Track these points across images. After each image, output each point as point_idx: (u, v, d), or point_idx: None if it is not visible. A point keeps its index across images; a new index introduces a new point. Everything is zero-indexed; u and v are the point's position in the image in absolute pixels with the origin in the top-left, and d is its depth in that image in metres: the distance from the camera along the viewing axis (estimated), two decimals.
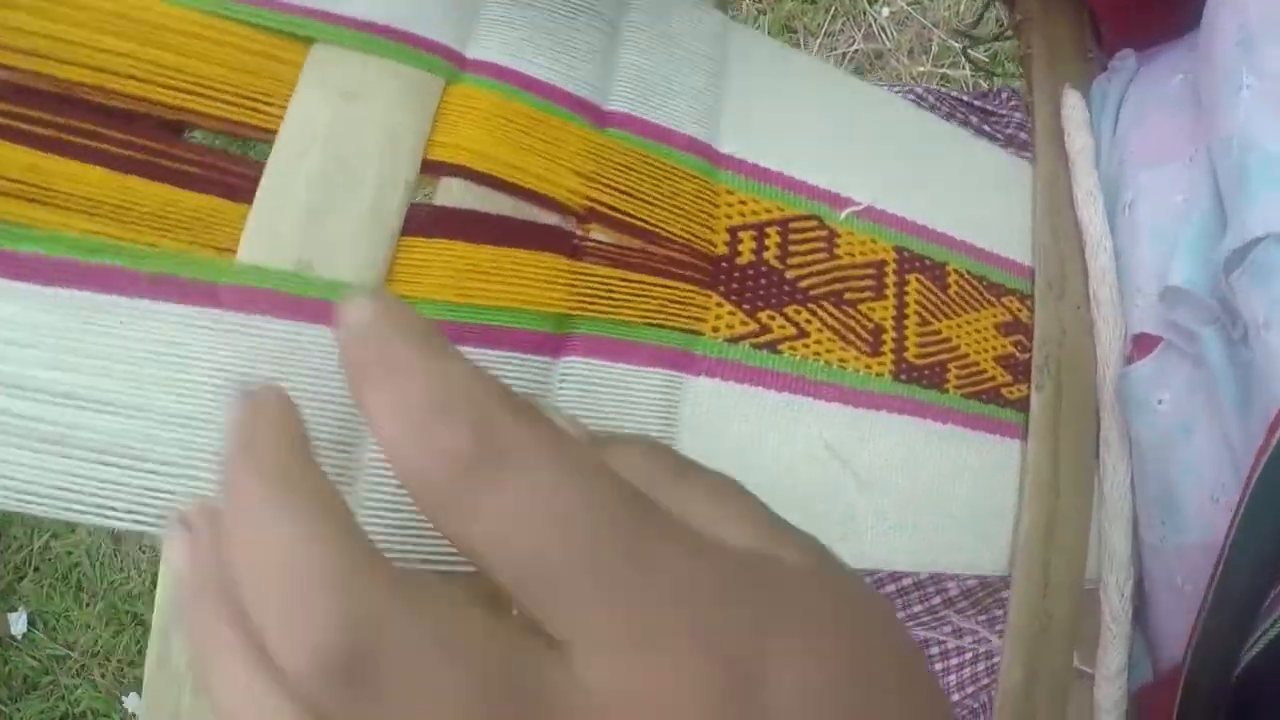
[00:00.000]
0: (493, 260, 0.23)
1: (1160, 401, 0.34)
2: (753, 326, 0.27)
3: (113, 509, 0.20)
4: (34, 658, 1.23)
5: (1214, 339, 0.31)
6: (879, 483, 0.29)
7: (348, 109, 0.23)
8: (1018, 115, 0.47)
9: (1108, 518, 0.34)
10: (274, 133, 0.22)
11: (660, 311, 0.25)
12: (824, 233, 0.29)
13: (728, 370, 0.26)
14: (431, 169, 0.24)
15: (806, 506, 0.27)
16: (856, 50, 1.14)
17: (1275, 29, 0.29)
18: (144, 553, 1.20)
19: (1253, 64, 0.29)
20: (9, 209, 0.21)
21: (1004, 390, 0.33)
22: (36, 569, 1.26)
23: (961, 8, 0.64)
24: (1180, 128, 0.35)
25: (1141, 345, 0.35)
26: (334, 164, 0.22)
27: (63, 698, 1.20)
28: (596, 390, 0.24)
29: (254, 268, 0.21)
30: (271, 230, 0.21)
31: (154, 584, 1.05)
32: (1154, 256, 0.35)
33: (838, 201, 0.30)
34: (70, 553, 1.23)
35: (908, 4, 1.10)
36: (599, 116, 0.26)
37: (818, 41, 1.18)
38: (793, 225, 0.28)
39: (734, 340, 0.27)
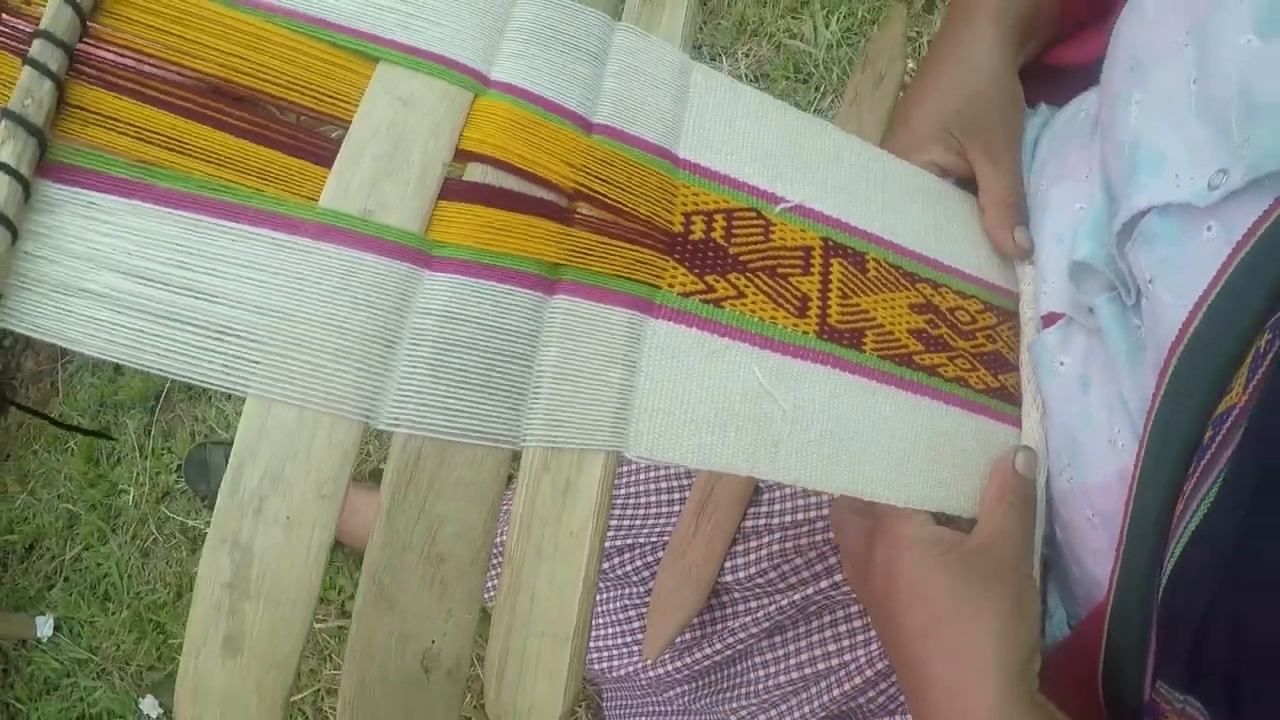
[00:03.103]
0: (504, 221, 0.31)
1: (1061, 363, 0.41)
2: (701, 286, 0.35)
3: (204, 371, 0.27)
4: (57, 660, 1.27)
5: (1107, 307, 0.38)
6: (801, 418, 0.36)
7: (404, 110, 0.31)
8: None
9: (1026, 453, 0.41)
10: (347, 121, 0.31)
11: (628, 268, 0.33)
12: (761, 222, 0.37)
13: (680, 317, 0.34)
14: (462, 156, 0.32)
15: (740, 428, 0.35)
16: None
17: (1156, 57, 0.37)
18: (170, 566, 1.26)
19: (1140, 83, 0.38)
20: (156, 155, 0.29)
21: (915, 357, 0.41)
22: (67, 579, 1.31)
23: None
24: (1080, 153, 0.44)
25: (1048, 320, 0.43)
26: (392, 146, 0.31)
27: (81, 699, 1.24)
28: (579, 322, 0.32)
29: (330, 211, 0.29)
30: (345, 187, 0.30)
31: (178, 596, 1.12)
32: (1058, 253, 0.43)
33: (773, 199, 0.38)
34: (100, 564, 1.29)
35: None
36: (587, 126, 0.35)
37: (848, 97, 1.29)
38: (736, 214, 0.37)
39: (686, 295, 0.35)
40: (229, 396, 1.27)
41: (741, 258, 0.36)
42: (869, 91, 0.60)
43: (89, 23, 0.31)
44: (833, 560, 0.57)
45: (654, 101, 0.36)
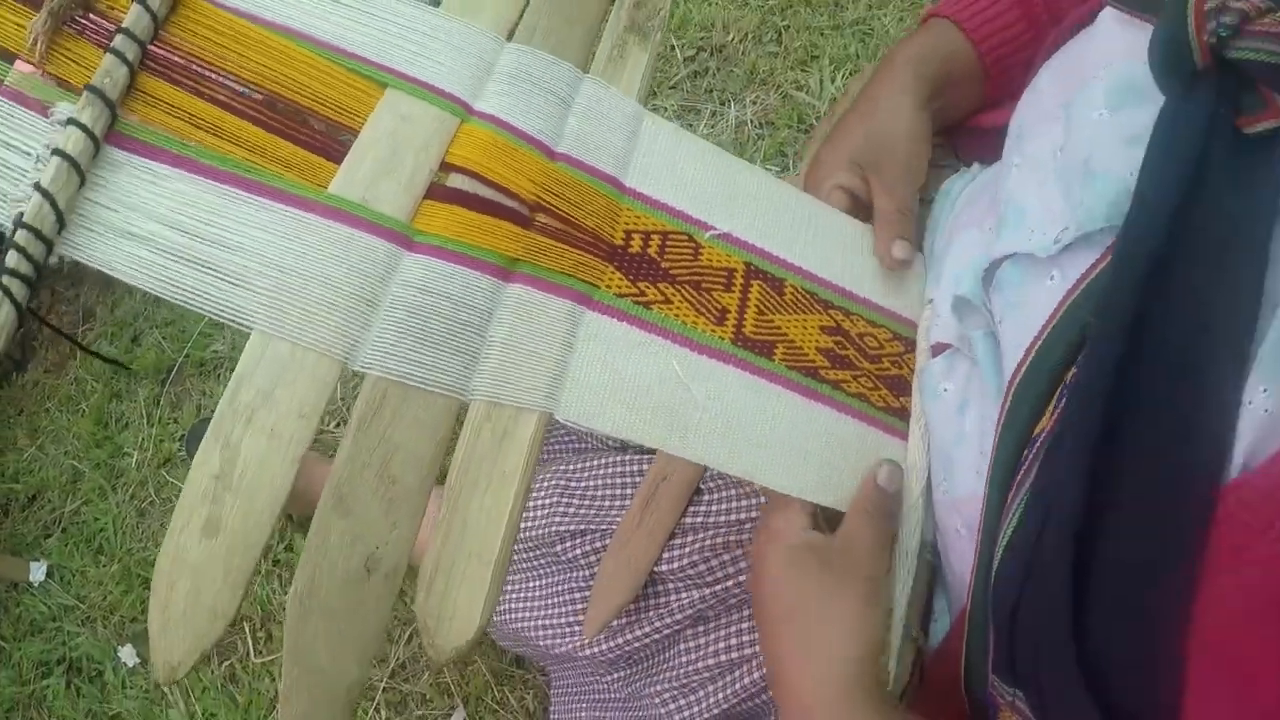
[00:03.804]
0: (475, 220, 0.39)
1: (945, 390, 0.47)
2: (634, 290, 0.43)
3: (220, 307, 0.35)
4: (45, 605, 1.32)
5: (982, 341, 0.45)
6: (710, 407, 0.43)
7: (403, 125, 0.39)
8: None
9: (912, 465, 0.48)
10: (357, 130, 0.39)
11: (574, 268, 0.41)
12: (692, 244, 0.45)
13: (613, 313, 0.42)
14: (447, 167, 0.40)
15: (656, 409, 0.42)
16: None
17: (1035, 127, 0.44)
18: (164, 527, 1.31)
19: (1021, 149, 0.44)
20: (201, 137, 0.37)
21: (821, 371, 0.48)
22: (64, 530, 1.36)
23: None
24: (987, 206, 0.50)
25: (937, 350, 0.49)
26: (390, 152, 0.39)
27: (64, 643, 1.29)
28: (529, 307, 0.40)
29: (335, 196, 0.37)
30: (349, 179, 0.38)
31: None
32: (951, 291, 0.49)
33: (704, 226, 0.46)
34: (98, 519, 1.34)
35: None
36: (550, 153, 0.42)
37: (805, 164, 1.37)
38: (670, 235, 0.45)
39: (620, 295, 0.42)
40: None
41: (671, 271, 0.44)
42: None
43: (160, 29, 0.40)
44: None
45: (608, 139, 0.44)
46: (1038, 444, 0.36)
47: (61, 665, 1.29)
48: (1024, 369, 0.39)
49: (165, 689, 1.18)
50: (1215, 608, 0.27)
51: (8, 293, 0.36)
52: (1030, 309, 0.39)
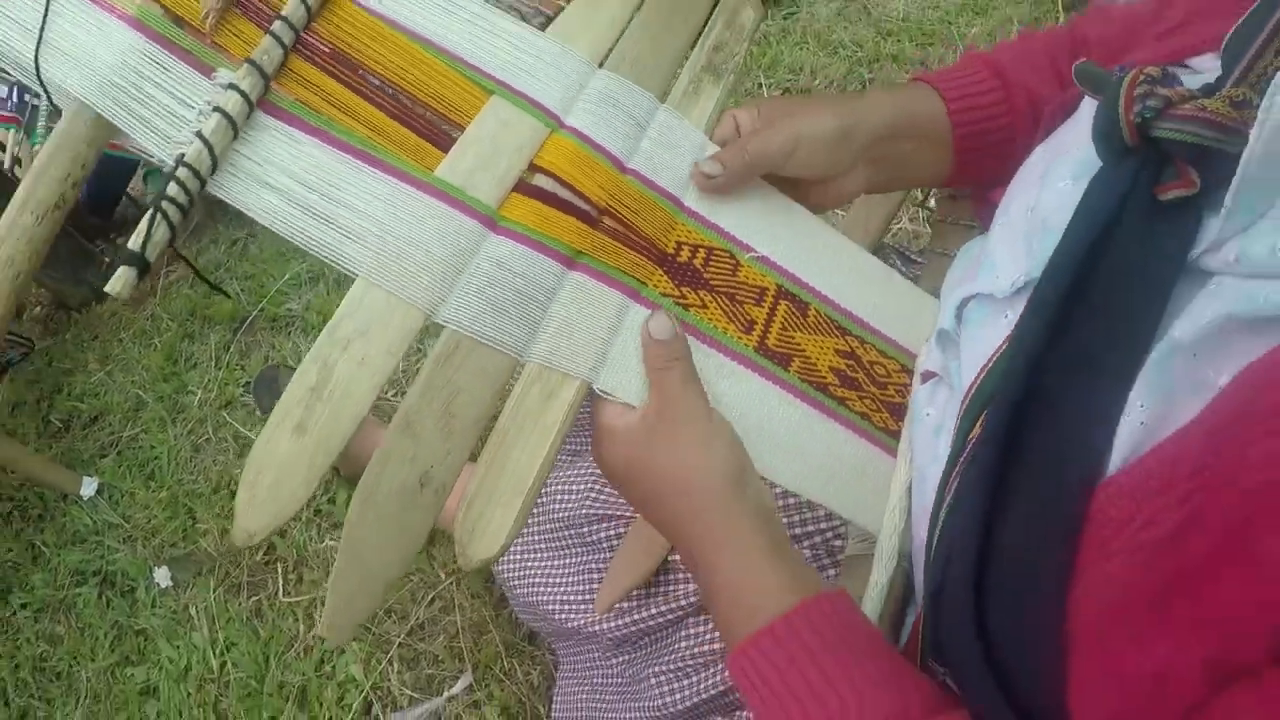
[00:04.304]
0: (551, 214, 0.46)
1: (927, 414, 0.53)
2: (676, 293, 0.50)
3: (333, 253, 0.43)
4: (91, 519, 1.40)
5: (957, 370, 0.50)
6: (727, 404, 0.50)
7: (502, 129, 0.47)
8: (919, 261, 0.69)
9: (896, 482, 0.53)
10: (463, 126, 0.46)
11: (628, 266, 0.48)
12: (733, 261, 0.52)
13: (656, 309, 0.49)
14: (534, 168, 0.48)
15: None
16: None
17: (1019, 191, 0.50)
18: (215, 464, 1.39)
19: (1006, 210, 0.50)
20: (334, 114, 0.45)
21: (830, 387, 0.54)
22: (120, 452, 1.45)
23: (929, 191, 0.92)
24: (976, 259, 0.56)
25: (925, 378, 0.55)
26: (490, 149, 0.46)
27: (103, 557, 1.36)
28: (586, 293, 0.47)
29: (440, 179, 0.45)
30: (453, 166, 0.45)
31: (215, 490, 1.28)
32: (939, 328, 0.55)
33: (746, 248, 0.52)
34: (154, 448, 1.42)
35: None
36: (621, 168, 0.50)
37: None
38: (715, 251, 0.51)
39: (664, 295, 0.49)
40: (305, 332, 1.45)
41: (711, 281, 0.51)
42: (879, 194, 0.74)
43: (312, 20, 0.48)
44: None
45: (674, 163, 0.51)
46: (967, 451, 0.42)
47: (96, 577, 1.36)
48: (971, 393, 0.44)
49: (192, 614, 1.26)
50: (1088, 594, 0.32)
51: (165, 216, 0.44)
52: (985, 343, 0.45)
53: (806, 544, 0.67)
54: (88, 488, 1.44)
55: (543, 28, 0.52)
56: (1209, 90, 0.38)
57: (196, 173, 0.44)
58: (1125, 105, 0.38)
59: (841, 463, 0.53)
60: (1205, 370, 0.33)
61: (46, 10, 0.47)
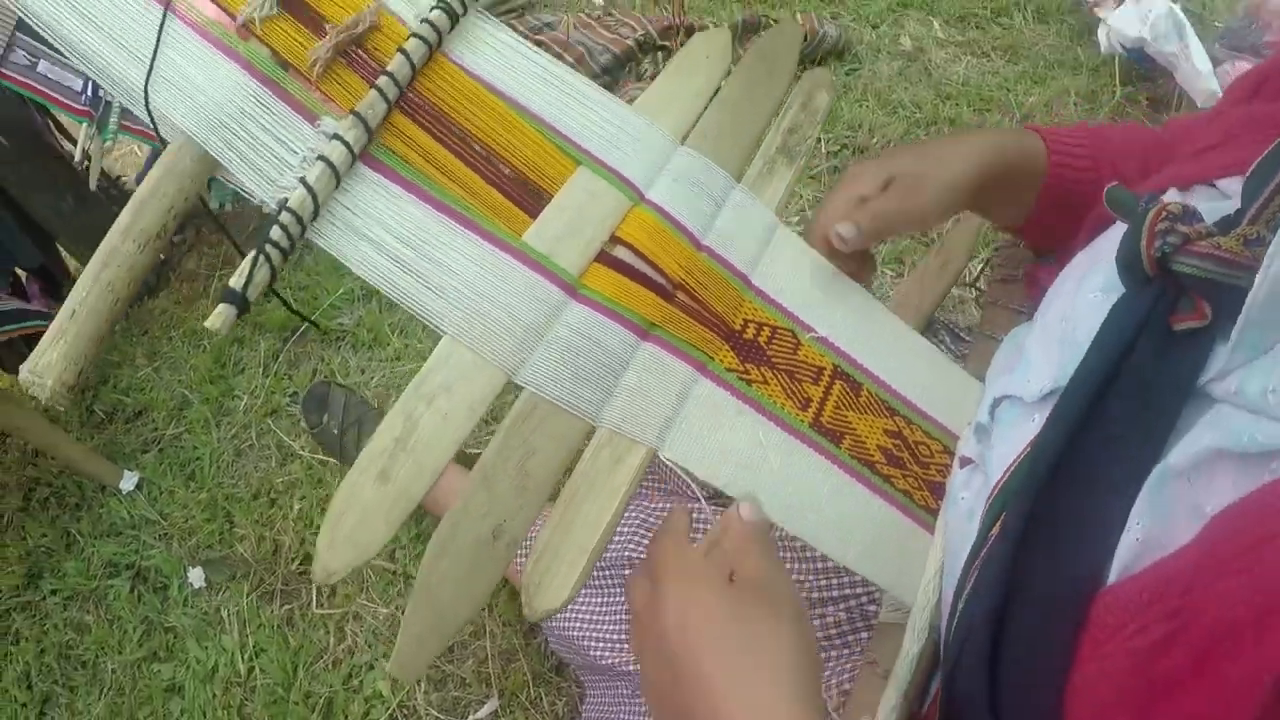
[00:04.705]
0: (629, 286, 0.49)
1: (962, 498, 0.55)
2: (740, 369, 0.52)
3: (422, 308, 0.45)
4: (128, 512, 1.41)
5: (990, 461, 0.52)
6: (782, 475, 0.52)
7: (589, 199, 0.50)
8: (968, 340, 0.71)
9: (931, 559, 0.55)
10: (552, 194, 0.49)
11: (698, 341, 0.50)
12: (794, 340, 0.54)
13: (721, 383, 0.51)
14: (615, 240, 0.50)
15: (740, 466, 0.50)
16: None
17: (1057, 294, 0.52)
18: (256, 470, 1.41)
19: (1044, 312, 0.52)
20: (431, 172, 0.48)
21: (877, 465, 0.56)
22: (162, 449, 1.47)
23: (977, 268, 0.93)
24: (1015, 351, 0.57)
25: (963, 463, 0.57)
26: (577, 218, 0.49)
27: (137, 551, 1.38)
28: (657, 364, 0.49)
29: (527, 244, 0.48)
30: (540, 233, 0.48)
31: (254, 496, 1.30)
32: (977, 419, 0.56)
33: (807, 328, 0.55)
34: (196, 448, 1.45)
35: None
36: (697, 244, 0.52)
37: (921, 268, 1.46)
38: (778, 330, 0.54)
39: (729, 370, 0.51)
40: (355, 349, 1.48)
41: (773, 359, 0.53)
42: (935, 270, 0.76)
43: (415, 78, 0.51)
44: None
45: (746, 242, 0.54)
46: (987, 546, 0.44)
47: (129, 570, 1.38)
48: (996, 490, 0.47)
49: (224, 617, 1.29)
50: (1083, 691, 0.34)
51: (268, 258, 0.47)
52: (1013, 443, 0.47)
53: (842, 606, 0.69)
54: (128, 481, 1.46)
55: (610, 66, 0.55)
56: (1227, 225, 0.40)
57: (299, 218, 0.47)
58: (1147, 240, 0.40)
59: (882, 536, 0.55)
60: (1198, 496, 0.35)
61: (158, 42, 0.49)
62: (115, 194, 1.86)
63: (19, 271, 1.79)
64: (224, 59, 0.48)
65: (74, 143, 1.85)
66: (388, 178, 0.49)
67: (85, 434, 1.56)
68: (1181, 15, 1.90)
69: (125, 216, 0.47)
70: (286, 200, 0.46)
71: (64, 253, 1.87)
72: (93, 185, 1.62)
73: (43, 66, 1.51)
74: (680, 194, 0.52)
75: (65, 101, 1.55)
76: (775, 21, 2.00)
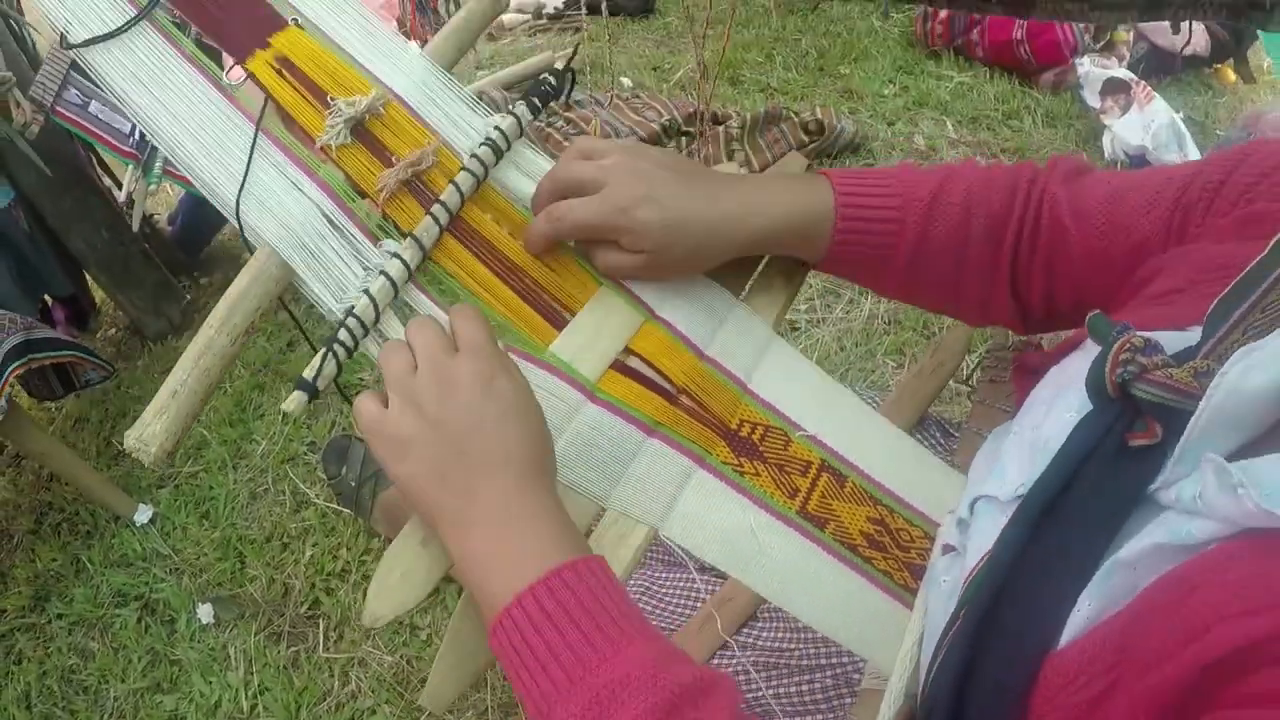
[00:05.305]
0: (639, 391, 0.56)
1: (944, 581, 0.61)
2: (735, 462, 0.59)
3: None
4: (140, 545, 1.45)
5: (967, 551, 0.58)
6: (771, 555, 0.58)
7: (606, 316, 0.57)
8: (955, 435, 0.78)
9: (909, 633, 0.61)
10: (575, 311, 0.56)
11: (697, 437, 0.57)
12: (785, 438, 0.61)
13: (717, 474, 0.58)
14: (628, 350, 0.57)
15: (732, 547, 0.57)
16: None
17: (1031, 406, 0.58)
18: (270, 515, 1.46)
19: (1021, 421, 0.59)
20: (474, 287, 0.55)
21: (859, 548, 0.62)
22: (178, 486, 1.52)
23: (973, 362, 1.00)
24: (993, 453, 0.64)
25: (945, 550, 0.63)
26: (594, 333, 0.56)
27: (147, 584, 1.41)
28: (661, 457, 0.56)
29: (552, 354, 0.55)
30: (564, 345, 0.55)
31: (267, 539, 1.37)
32: (957, 513, 0.63)
33: (797, 427, 0.61)
34: (213, 488, 1.49)
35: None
36: (700, 355, 0.59)
37: (918, 366, 1.54)
38: (770, 429, 0.60)
39: (724, 463, 0.58)
40: None
41: (765, 455, 0.60)
42: (930, 369, 0.83)
43: (466, 205, 0.58)
44: (783, 681, 0.76)
45: (744, 353, 0.61)
46: (959, 623, 0.50)
47: (138, 601, 1.42)
48: (970, 576, 0.53)
49: (230, 654, 1.33)
50: None
51: (335, 355, 0.54)
52: (986, 535, 0.53)
53: (829, 673, 0.75)
54: (142, 515, 1.51)
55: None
56: (1182, 358, 0.47)
57: (363, 324, 0.54)
58: (1111, 366, 0.47)
59: (863, 611, 0.61)
60: (1140, 579, 0.42)
61: (249, 163, 0.58)
62: (148, 231, 1.93)
63: (46, 299, 1.86)
64: (306, 179, 0.56)
65: (113, 178, 1.93)
66: (431, 300, 0.56)
67: (102, 464, 1.60)
68: (1182, 126, 2.01)
69: (220, 312, 0.55)
70: (353, 307, 0.54)
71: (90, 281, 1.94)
72: (135, 226, 1.69)
73: (94, 107, 1.58)
74: (687, 311, 0.59)
75: (113, 142, 1.61)
76: (796, 114, 2.10)
